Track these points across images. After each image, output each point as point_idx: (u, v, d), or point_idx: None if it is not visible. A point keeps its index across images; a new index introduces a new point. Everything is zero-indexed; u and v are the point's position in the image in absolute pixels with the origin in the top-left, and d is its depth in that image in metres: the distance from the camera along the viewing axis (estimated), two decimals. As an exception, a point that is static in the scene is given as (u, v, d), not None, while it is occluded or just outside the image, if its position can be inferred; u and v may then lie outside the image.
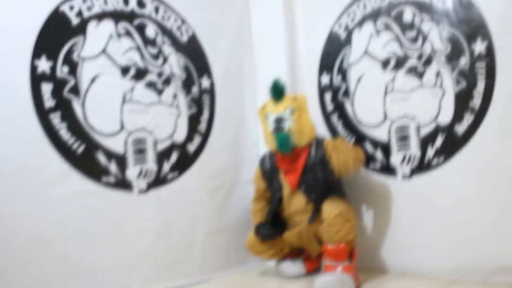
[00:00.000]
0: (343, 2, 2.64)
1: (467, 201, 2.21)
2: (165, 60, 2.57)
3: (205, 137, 2.71)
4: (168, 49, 2.59)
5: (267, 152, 2.59)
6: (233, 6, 2.94)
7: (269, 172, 2.56)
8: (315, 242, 2.45)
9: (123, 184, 2.36)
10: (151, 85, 2.49)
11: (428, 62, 2.33)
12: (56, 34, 2.23)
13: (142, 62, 2.46)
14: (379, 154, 2.52)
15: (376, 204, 2.55)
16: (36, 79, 2.15)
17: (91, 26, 2.34)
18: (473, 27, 2.19)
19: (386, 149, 2.49)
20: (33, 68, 2.14)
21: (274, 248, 2.54)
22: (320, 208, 2.33)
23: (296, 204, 2.45)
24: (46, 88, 2.17)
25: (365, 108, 2.57)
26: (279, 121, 2.39)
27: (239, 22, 2.96)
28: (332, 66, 2.69)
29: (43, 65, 2.17)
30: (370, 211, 2.57)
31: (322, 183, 2.38)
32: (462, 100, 2.23)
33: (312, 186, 2.40)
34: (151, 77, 2.49)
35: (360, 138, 2.59)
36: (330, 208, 2.26)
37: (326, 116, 2.71)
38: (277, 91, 2.44)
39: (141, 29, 2.50)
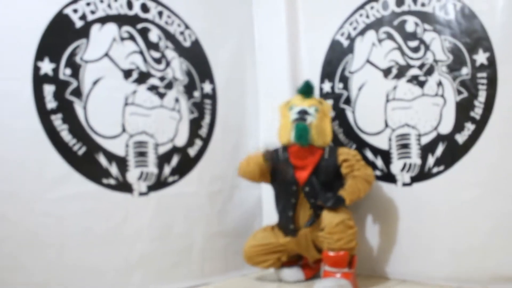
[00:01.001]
0: (345, 11, 2.66)
1: (466, 209, 2.22)
2: (167, 64, 2.58)
3: (206, 141, 2.71)
4: (171, 54, 2.60)
5: (280, 147, 2.53)
6: (236, 13, 2.96)
7: (282, 162, 2.49)
8: (313, 248, 2.45)
9: (123, 186, 2.36)
10: (153, 88, 2.49)
11: (429, 71, 2.35)
12: (60, 37, 2.24)
13: (144, 66, 2.47)
14: (379, 162, 2.52)
15: (376, 211, 2.56)
16: (39, 80, 2.15)
17: (95, 29, 2.34)
18: (475, 38, 2.21)
19: (386, 157, 2.50)
20: (36, 70, 2.15)
21: (272, 257, 2.53)
22: (320, 213, 2.33)
23: (302, 206, 2.44)
24: (49, 90, 2.18)
25: (366, 116, 2.58)
26: (303, 112, 2.40)
27: (242, 29, 2.97)
28: (333, 74, 2.70)
29: (46, 67, 2.18)
30: (369, 218, 2.58)
31: (325, 187, 2.38)
32: (463, 110, 2.24)
33: (314, 190, 2.39)
34: (153, 81, 2.50)
35: (360, 145, 2.59)
36: (331, 216, 2.25)
37: (327, 124, 2.71)
38: (308, 88, 2.49)
39: (144, 33, 2.50)
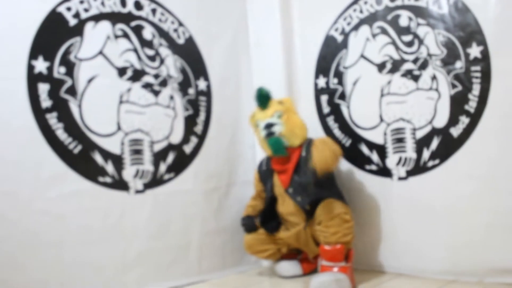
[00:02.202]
0: (339, 6, 2.66)
1: (462, 202, 2.23)
2: (162, 61, 2.57)
3: (202, 138, 2.71)
4: (165, 51, 2.60)
5: (266, 155, 2.60)
6: (230, 10, 2.95)
7: (264, 174, 2.58)
8: (312, 244, 2.45)
9: (119, 184, 2.36)
10: (147, 86, 2.49)
11: (423, 65, 2.35)
12: (53, 35, 2.23)
13: (139, 63, 2.47)
14: (375, 156, 2.53)
15: (372, 205, 2.55)
16: (33, 79, 2.15)
17: (88, 27, 2.34)
18: (469, 32, 2.21)
19: (382, 151, 2.51)
20: (30, 69, 2.15)
21: (272, 248, 2.55)
22: (313, 211, 2.34)
23: (289, 205, 2.45)
24: (43, 89, 2.17)
25: (361, 111, 2.59)
26: (268, 126, 2.40)
27: (236, 25, 2.97)
28: (328, 69, 2.70)
29: (40, 65, 2.17)
30: (365, 212, 2.58)
31: (309, 184, 2.37)
32: (457, 103, 2.25)
33: (299, 189, 2.40)
34: (148, 78, 2.50)
35: (356, 140, 2.60)
36: (327, 210, 2.26)
37: (322, 119, 2.72)
38: (262, 98, 2.46)
39: (138, 31, 2.50)
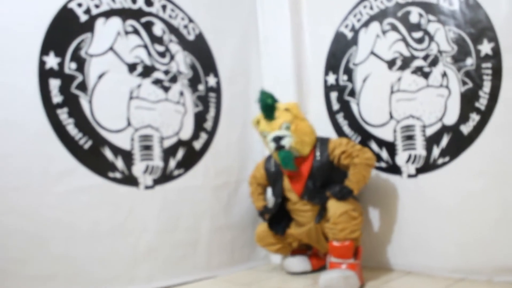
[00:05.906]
0: (349, 3, 2.65)
1: (472, 200, 2.22)
2: (172, 58, 2.58)
3: (211, 135, 2.72)
4: (175, 47, 2.61)
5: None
6: (240, 6, 2.96)
7: (273, 175, 2.55)
8: (323, 240, 2.45)
9: (129, 180, 2.37)
10: (157, 82, 2.50)
11: (434, 62, 2.34)
12: (64, 31, 2.25)
13: (149, 59, 2.48)
14: (384, 154, 2.52)
15: (381, 203, 2.55)
16: (44, 75, 2.17)
17: (99, 24, 2.36)
18: (480, 29, 2.20)
19: (391, 148, 2.50)
20: (42, 64, 2.17)
21: (283, 241, 2.55)
22: (326, 207, 2.34)
23: (303, 205, 2.45)
24: (54, 84, 2.19)
25: (371, 107, 2.58)
26: (277, 139, 2.34)
27: (246, 22, 2.98)
28: (338, 66, 2.70)
29: (51, 61, 2.19)
30: (375, 209, 2.58)
31: (326, 185, 2.37)
32: (468, 101, 2.24)
33: (316, 192, 2.39)
34: (158, 74, 2.51)
35: (365, 137, 2.59)
36: (335, 207, 2.26)
37: (332, 116, 2.72)
38: (267, 110, 2.39)
39: (148, 27, 2.51)
